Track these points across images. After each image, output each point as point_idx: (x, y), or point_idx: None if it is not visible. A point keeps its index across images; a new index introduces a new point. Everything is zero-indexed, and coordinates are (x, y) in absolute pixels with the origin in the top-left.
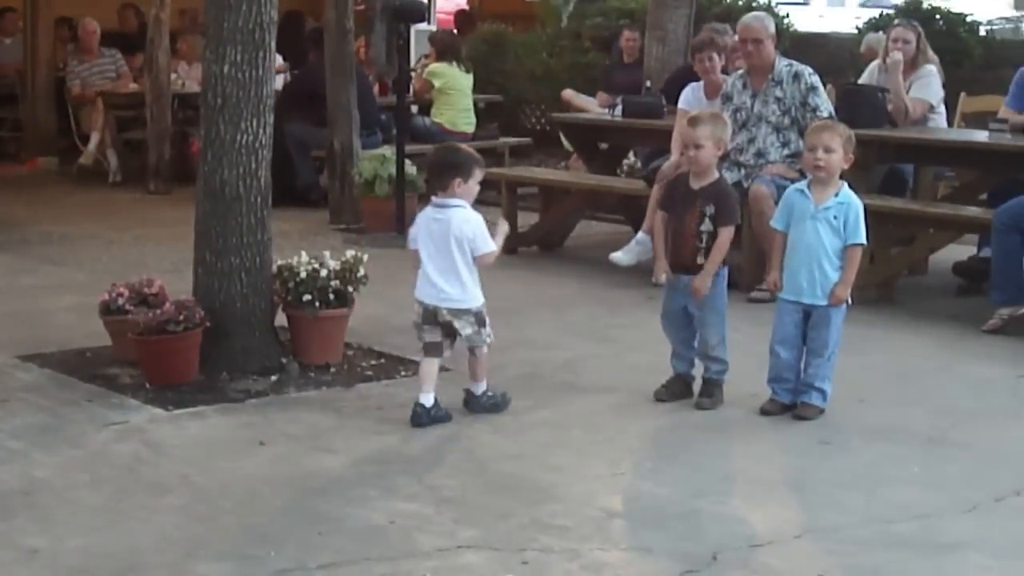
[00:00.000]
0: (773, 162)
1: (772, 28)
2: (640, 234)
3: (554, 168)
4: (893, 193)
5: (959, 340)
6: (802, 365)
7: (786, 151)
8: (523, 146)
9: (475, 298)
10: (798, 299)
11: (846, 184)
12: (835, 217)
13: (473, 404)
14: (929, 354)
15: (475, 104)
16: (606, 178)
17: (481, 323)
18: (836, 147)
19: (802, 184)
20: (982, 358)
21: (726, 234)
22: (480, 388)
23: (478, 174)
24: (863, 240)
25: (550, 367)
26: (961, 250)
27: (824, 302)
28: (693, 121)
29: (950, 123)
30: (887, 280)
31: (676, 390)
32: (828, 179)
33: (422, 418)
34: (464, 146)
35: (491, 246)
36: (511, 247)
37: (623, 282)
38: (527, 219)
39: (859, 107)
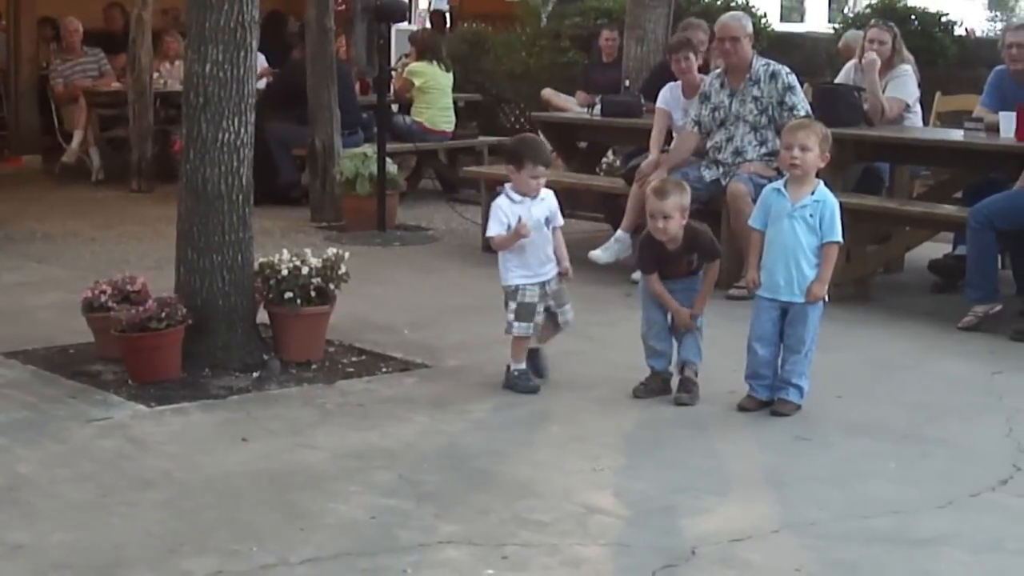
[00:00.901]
0: (751, 160)
1: (749, 27)
2: (619, 232)
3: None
4: (869, 191)
5: (934, 337)
6: (779, 362)
7: (763, 149)
8: (503, 145)
9: (503, 278)
10: (775, 297)
11: (822, 183)
12: (811, 215)
13: (504, 378)
14: (905, 351)
15: (455, 103)
16: (585, 176)
17: (506, 304)
18: (812, 146)
19: (779, 183)
20: (957, 355)
21: (714, 268)
22: (512, 364)
23: (530, 167)
24: (839, 238)
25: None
26: (936, 248)
27: (801, 299)
28: (659, 193)
29: (925, 122)
30: (863, 277)
31: (654, 387)
32: (804, 177)
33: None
34: (534, 137)
35: (489, 231)
36: (489, 246)
37: (602, 279)
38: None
39: (836, 106)
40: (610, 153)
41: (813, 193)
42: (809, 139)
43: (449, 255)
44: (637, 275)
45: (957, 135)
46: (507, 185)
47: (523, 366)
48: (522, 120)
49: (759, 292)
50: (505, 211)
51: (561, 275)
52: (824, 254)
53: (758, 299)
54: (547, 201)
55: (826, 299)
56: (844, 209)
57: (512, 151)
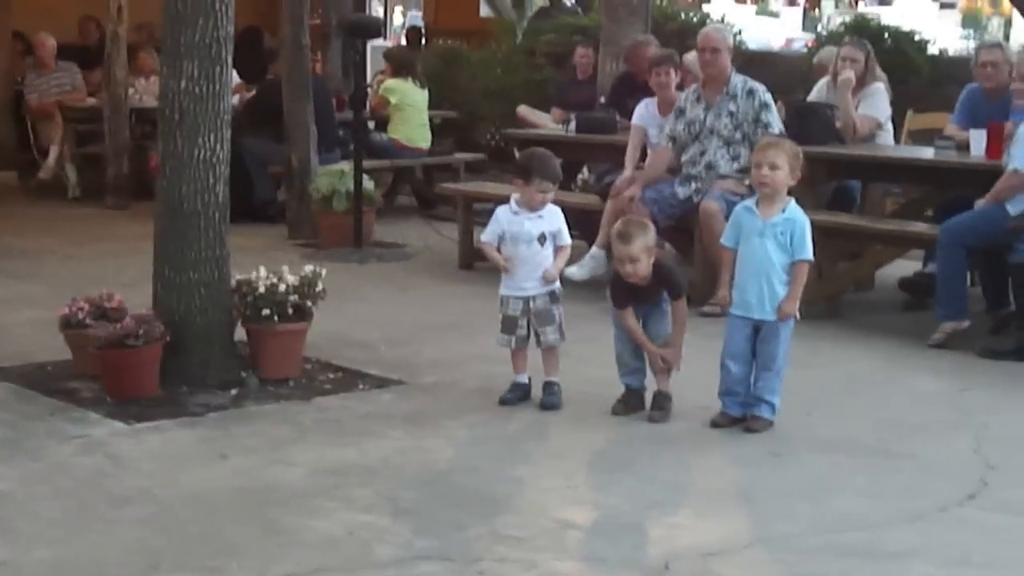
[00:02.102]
0: (723, 176)
1: (730, 41)
2: (594, 249)
3: (509, 184)
4: (841, 209)
5: (904, 354)
6: (752, 379)
7: (736, 165)
8: (478, 162)
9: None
10: (748, 314)
11: (793, 200)
12: (782, 233)
13: None
14: (875, 368)
15: (431, 120)
16: (560, 193)
17: None
18: (781, 164)
19: (750, 201)
20: (926, 372)
21: (681, 307)
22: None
23: (537, 182)
24: (810, 256)
25: (505, 381)
26: (907, 265)
27: (773, 317)
28: (623, 237)
29: (897, 140)
30: (834, 295)
31: (632, 404)
32: (774, 196)
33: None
34: (545, 152)
35: (483, 237)
36: (466, 263)
37: (577, 296)
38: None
39: (808, 124)
40: (585, 170)
41: (784, 211)
42: (778, 158)
43: (426, 272)
44: None
45: (928, 153)
46: (514, 195)
47: (519, 378)
48: (497, 137)
49: (731, 310)
50: (500, 221)
51: (545, 279)
52: (794, 272)
53: (730, 317)
54: (548, 218)
55: (797, 316)
56: (816, 227)
57: (522, 165)
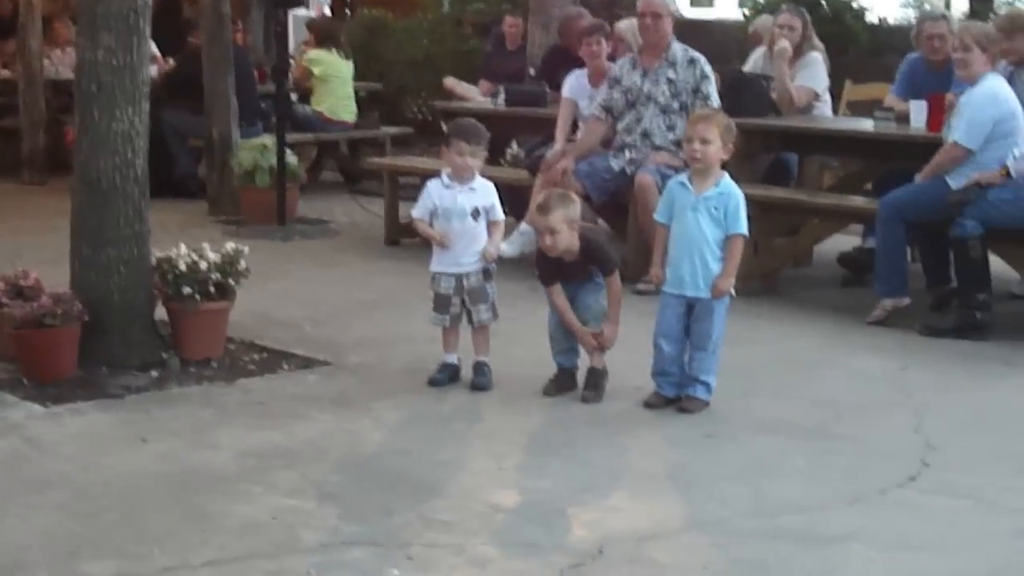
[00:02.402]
0: (659, 146)
1: (672, 7)
2: (523, 224)
3: (436, 158)
4: (778, 183)
5: (843, 332)
6: (686, 358)
7: (671, 135)
8: (405, 135)
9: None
10: (681, 292)
11: (727, 174)
12: (715, 208)
13: None
14: (813, 346)
15: (356, 92)
16: (489, 168)
17: None
18: (712, 138)
19: (683, 175)
20: (866, 350)
21: (614, 283)
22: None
23: (455, 144)
24: (744, 230)
25: (433, 361)
26: (846, 240)
27: (707, 294)
28: (543, 208)
29: (835, 111)
30: (772, 271)
31: (564, 384)
32: (706, 170)
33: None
34: (470, 120)
35: (413, 212)
36: (393, 239)
37: (506, 274)
38: (409, 210)
39: (743, 95)
40: (514, 144)
41: (717, 185)
42: (709, 131)
43: (351, 249)
44: None
45: (867, 125)
46: (445, 169)
47: (449, 358)
48: (424, 110)
49: (664, 287)
50: (431, 194)
51: (484, 258)
52: (729, 247)
53: (663, 295)
54: (480, 192)
55: (732, 294)
56: (752, 201)
57: (446, 132)
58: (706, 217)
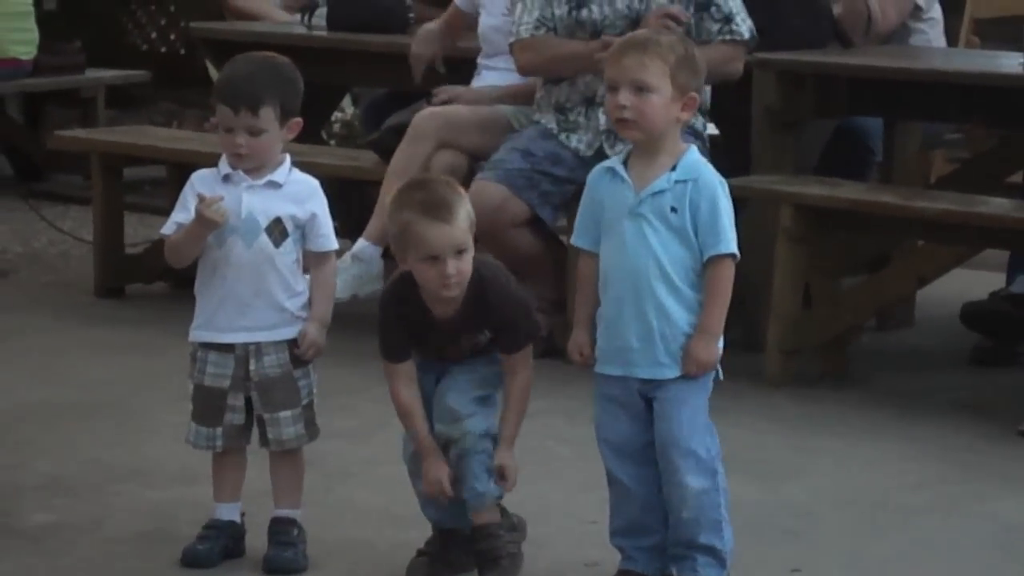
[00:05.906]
0: None
1: None
2: (360, 243)
3: (199, 131)
4: (846, 172)
5: (977, 455)
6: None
7: None
8: (134, 86)
9: None
10: (627, 372)
11: (693, 148)
12: (673, 208)
13: None
14: (923, 484)
15: (38, 7)
16: (301, 147)
17: None
18: (655, 81)
19: (614, 160)
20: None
21: (525, 362)
22: None
23: (219, 110)
24: (731, 248)
25: (193, 518)
26: (978, 281)
27: (674, 371)
28: (438, 208)
29: (954, 37)
30: (837, 340)
31: (443, 560)
32: (648, 141)
33: None
34: (246, 58)
35: (164, 227)
36: (112, 284)
37: (345, 334)
38: (151, 229)
39: (784, 11)
40: (347, 101)
41: (674, 169)
42: (646, 70)
43: (34, 304)
44: None
45: (1013, 64)
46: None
47: (224, 512)
48: (171, 38)
49: (598, 367)
50: (196, 190)
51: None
52: (708, 280)
53: (599, 380)
54: (290, 191)
55: (719, 371)
56: (796, 206)
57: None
58: (659, 227)
